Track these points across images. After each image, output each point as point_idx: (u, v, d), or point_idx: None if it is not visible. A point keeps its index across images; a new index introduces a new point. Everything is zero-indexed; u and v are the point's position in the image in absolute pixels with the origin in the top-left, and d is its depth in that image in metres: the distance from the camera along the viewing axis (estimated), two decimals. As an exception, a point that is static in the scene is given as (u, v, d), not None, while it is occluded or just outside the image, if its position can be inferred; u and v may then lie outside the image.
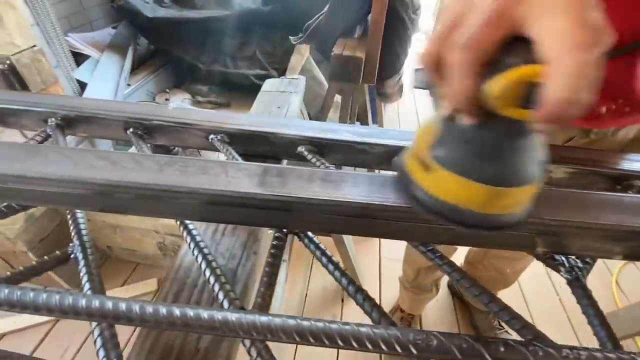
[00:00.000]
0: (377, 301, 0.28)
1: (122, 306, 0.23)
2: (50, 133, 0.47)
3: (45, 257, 0.30)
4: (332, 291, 1.31)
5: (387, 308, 1.27)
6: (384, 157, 0.44)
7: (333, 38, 1.02)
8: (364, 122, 1.07)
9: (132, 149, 1.23)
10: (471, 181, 0.22)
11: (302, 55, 1.92)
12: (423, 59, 0.21)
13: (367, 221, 0.30)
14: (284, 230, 0.33)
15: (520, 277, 1.03)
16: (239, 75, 1.78)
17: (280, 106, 0.63)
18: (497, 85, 0.18)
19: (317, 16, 1.17)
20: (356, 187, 0.29)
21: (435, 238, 0.30)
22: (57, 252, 0.31)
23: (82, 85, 1.32)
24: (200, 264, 0.30)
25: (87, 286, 0.28)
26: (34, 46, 1.00)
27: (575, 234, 0.28)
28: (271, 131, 0.45)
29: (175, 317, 0.23)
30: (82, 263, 0.29)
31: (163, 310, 0.21)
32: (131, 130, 0.47)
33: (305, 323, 0.21)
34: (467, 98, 0.20)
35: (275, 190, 0.28)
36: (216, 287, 0.28)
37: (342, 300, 1.28)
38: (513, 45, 0.18)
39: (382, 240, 1.54)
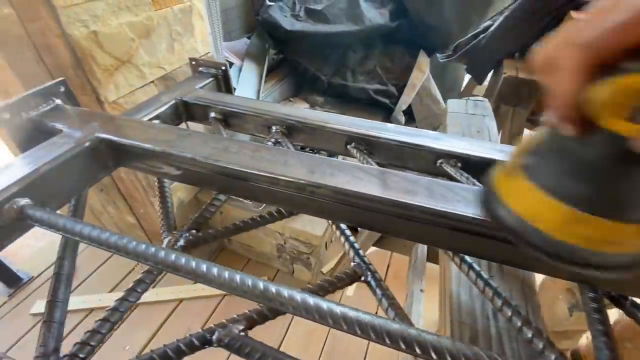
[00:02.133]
0: None
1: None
2: (280, 140, 0.48)
3: (338, 274, 0.29)
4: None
5: None
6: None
7: (494, 60, 0.95)
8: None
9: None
10: (549, 196, 0.19)
11: (423, 72, 1.86)
12: (536, 57, 0.19)
13: None
14: (598, 291, 0.28)
15: None
16: (356, 88, 1.80)
17: (479, 130, 0.58)
18: (606, 90, 0.16)
19: (471, 35, 1.11)
20: None
21: None
22: (347, 270, 0.30)
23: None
24: (511, 318, 0.26)
25: (392, 314, 0.26)
26: (208, 53, 1.11)
27: None
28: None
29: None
30: (378, 293, 0.28)
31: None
32: (353, 145, 0.47)
33: None
34: (569, 101, 0.17)
35: None
36: (551, 355, 0.24)
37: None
38: None
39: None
